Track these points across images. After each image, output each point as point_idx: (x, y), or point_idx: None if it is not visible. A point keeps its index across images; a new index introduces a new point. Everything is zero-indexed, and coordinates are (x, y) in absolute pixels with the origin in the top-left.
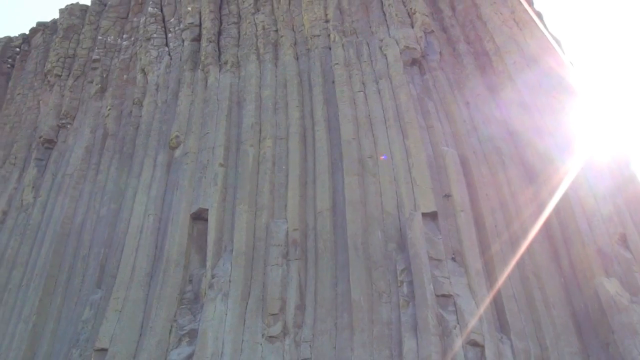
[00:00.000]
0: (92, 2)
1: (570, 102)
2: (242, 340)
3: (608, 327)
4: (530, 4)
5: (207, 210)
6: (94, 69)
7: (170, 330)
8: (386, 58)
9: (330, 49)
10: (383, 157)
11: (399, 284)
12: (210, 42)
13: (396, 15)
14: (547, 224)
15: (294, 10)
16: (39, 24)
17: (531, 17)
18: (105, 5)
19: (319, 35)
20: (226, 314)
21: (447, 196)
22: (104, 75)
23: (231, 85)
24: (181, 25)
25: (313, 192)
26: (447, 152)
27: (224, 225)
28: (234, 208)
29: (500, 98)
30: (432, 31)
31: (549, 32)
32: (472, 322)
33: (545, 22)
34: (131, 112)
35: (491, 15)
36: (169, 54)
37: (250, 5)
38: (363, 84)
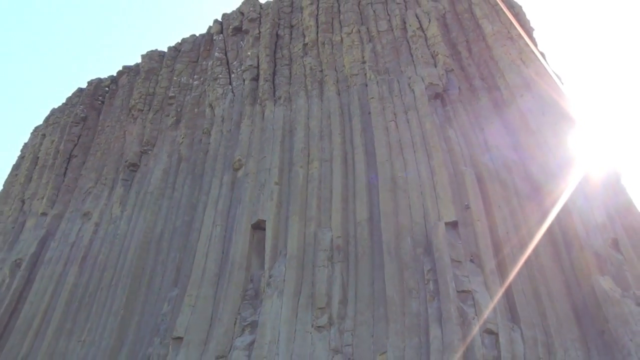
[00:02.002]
0: (168, 48)
1: (568, 127)
2: (295, 329)
3: (603, 317)
4: (535, 45)
5: (265, 221)
6: (170, 104)
7: (235, 322)
8: (414, 93)
9: (366, 85)
10: (405, 174)
11: (426, 282)
12: (266, 81)
13: (422, 56)
14: (550, 230)
15: (336, 53)
16: (125, 67)
17: (536, 57)
18: (179, 51)
19: (357, 74)
20: (281, 308)
21: (466, 207)
22: (179, 110)
23: (284, 117)
24: (242, 67)
25: (353, 205)
26: (466, 171)
27: (279, 234)
28: (287, 219)
29: (510, 125)
30: (452, 70)
31: (550, 69)
32: (488, 314)
33: (547, 60)
34: (201, 140)
35: (502, 56)
36: (232, 91)
37: (299, 50)
38: (394, 114)
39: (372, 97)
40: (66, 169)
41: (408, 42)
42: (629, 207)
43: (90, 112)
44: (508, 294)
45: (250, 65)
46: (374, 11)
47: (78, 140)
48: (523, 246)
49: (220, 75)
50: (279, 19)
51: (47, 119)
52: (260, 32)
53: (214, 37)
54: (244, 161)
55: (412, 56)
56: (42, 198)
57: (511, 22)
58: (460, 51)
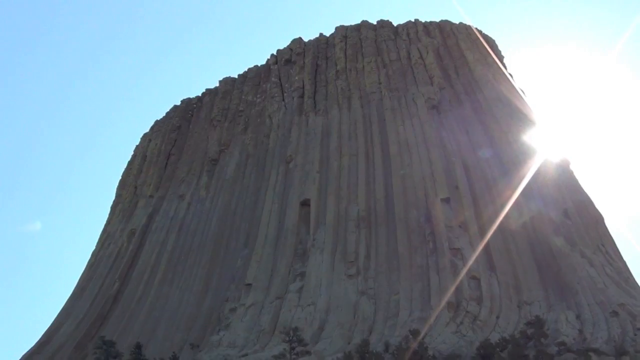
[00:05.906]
0: (238, 75)
1: (530, 127)
2: (332, 277)
3: (558, 267)
4: (505, 68)
5: (310, 199)
6: (240, 116)
7: (289, 272)
8: (416, 105)
9: (382, 100)
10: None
11: (427, 242)
12: (309, 98)
13: (422, 78)
14: (517, 202)
15: (359, 77)
16: (207, 89)
17: (506, 77)
18: (246, 77)
19: (375, 92)
20: (322, 262)
21: (456, 188)
22: (246, 120)
23: (322, 124)
24: (292, 88)
25: (374, 187)
26: (456, 161)
27: (320, 209)
28: (326, 198)
29: (487, 128)
30: (445, 87)
31: (517, 86)
32: (472, 265)
33: (514, 79)
34: (263, 142)
35: (481, 77)
36: (285, 106)
37: (333, 75)
38: (403, 121)
39: (387, 109)
40: (166, 163)
41: (412, 68)
42: (576, 186)
43: (183, 122)
44: (487, 250)
45: (298, 86)
46: (387, 46)
47: (175, 143)
48: (497, 214)
49: (276, 95)
50: (318, 53)
51: (152, 128)
52: (304, 62)
53: (271, 67)
54: (294, 156)
55: (415, 78)
56: (150, 185)
57: (487, 52)
58: (450, 74)
